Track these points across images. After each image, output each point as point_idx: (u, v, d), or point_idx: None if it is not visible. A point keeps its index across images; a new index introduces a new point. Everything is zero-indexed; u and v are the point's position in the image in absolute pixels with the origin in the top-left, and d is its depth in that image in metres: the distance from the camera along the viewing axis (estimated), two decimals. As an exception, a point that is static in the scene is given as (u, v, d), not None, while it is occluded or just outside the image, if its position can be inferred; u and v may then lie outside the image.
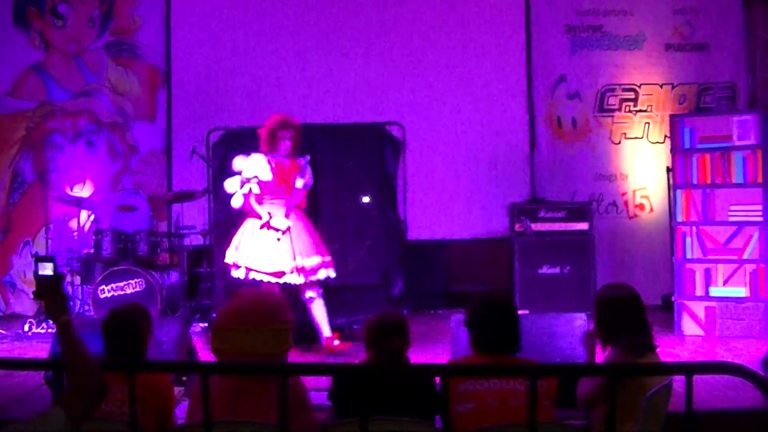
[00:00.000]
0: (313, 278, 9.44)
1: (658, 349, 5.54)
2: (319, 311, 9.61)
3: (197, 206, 12.25)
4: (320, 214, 10.69)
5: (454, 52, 13.60)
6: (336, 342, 9.45)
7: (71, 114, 13.68)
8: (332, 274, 9.61)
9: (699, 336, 10.56)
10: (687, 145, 10.87)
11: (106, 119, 13.70)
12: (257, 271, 9.32)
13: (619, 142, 13.60)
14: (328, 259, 9.61)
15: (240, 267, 9.40)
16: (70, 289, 11.87)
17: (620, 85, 13.63)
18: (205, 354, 8.31)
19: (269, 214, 9.39)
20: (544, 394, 4.91)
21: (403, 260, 10.93)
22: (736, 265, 10.61)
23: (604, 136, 13.63)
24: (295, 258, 9.33)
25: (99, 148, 13.70)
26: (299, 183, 9.53)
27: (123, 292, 11.27)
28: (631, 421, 4.92)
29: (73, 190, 13.32)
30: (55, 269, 3.95)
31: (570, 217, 11.79)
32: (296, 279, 9.34)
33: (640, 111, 13.61)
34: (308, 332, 9.77)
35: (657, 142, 13.48)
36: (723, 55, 13.66)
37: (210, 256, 11.57)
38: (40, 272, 3.92)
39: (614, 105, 13.64)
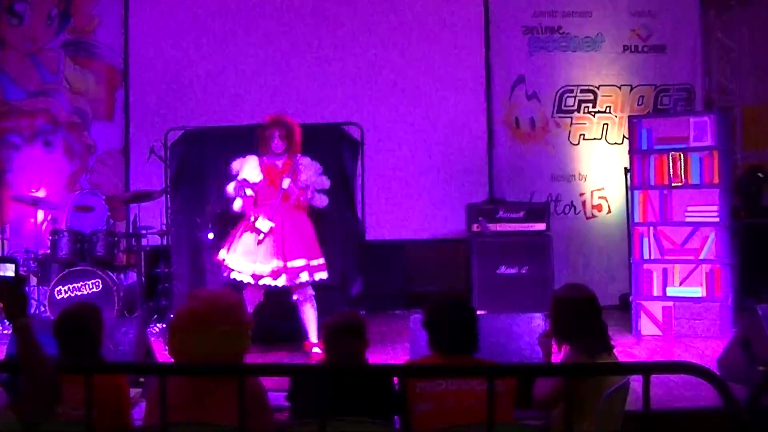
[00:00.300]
0: (297, 281, 9.37)
1: (615, 349, 5.56)
2: (306, 314, 9.56)
3: (155, 207, 12.17)
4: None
5: (412, 53, 13.60)
6: (315, 350, 9.38)
7: (27, 113, 13.58)
8: (320, 278, 9.51)
9: (656, 336, 10.61)
10: (644, 146, 10.91)
11: (63, 119, 13.62)
12: (239, 272, 9.32)
13: (578, 143, 13.65)
14: (317, 262, 9.48)
15: (226, 268, 9.41)
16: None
17: (578, 86, 13.68)
18: (163, 355, 8.28)
19: (254, 215, 9.37)
20: (503, 395, 4.92)
21: (361, 261, 10.90)
22: (692, 266, 10.66)
23: (563, 137, 13.68)
24: (276, 259, 9.29)
25: (56, 148, 13.61)
26: (285, 183, 9.38)
27: (80, 293, 11.17)
28: (589, 420, 4.94)
29: (30, 190, 13.23)
30: (16, 270, 3.92)
31: (528, 217, 11.81)
32: (277, 281, 9.30)
33: (599, 112, 13.67)
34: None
35: (615, 143, 13.54)
36: (680, 57, 13.75)
37: (168, 257, 11.49)
38: (2, 273, 3.89)
39: (572, 106, 13.68)
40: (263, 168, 9.50)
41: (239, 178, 9.47)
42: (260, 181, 9.47)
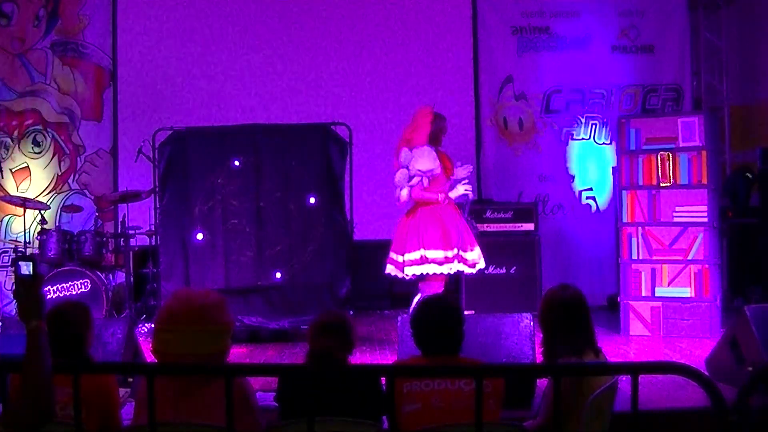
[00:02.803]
0: (473, 270, 9.55)
1: (603, 350, 5.55)
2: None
3: (143, 207, 12.17)
4: (265, 214, 10.63)
5: (401, 53, 13.63)
6: None
7: (16, 113, 13.56)
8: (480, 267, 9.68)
9: (645, 336, 10.60)
10: (633, 147, 10.91)
11: (52, 119, 13.59)
12: (430, 262, 9.39)
13: (566, 143, 13.66)
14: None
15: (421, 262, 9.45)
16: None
17: (567, 86, 13.70)
18: (151, 355, 8.27)
19: (440, 195, 9.55)
20: (491, 395, 4.92)
21: (349, 261, 10.90)
22: (681, 266, 10.66)
23: (551, 138, 13.70)
24: (465, 249, 9.46)
25: (45, 148, 13.58)
26: (461, 171, 9.77)
27: (68, 293, 11.17)
28: (577, 421, 4.93)
29: (19, 190, 13.21)
30: (35, 269, 3.83)
31: (516, 217, 11.84)
32: (463, 267, 9.45)
33: (587, 112, 13.69)
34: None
35: (603, 143, 13.57)
36: (667, 58, 13.79)
37: (156, 257, 11.47)
38: (21, 272, 3.81)
39: (561, 106, 13.70)
40: (440, 157, 9.66)
41: (421, 168, 9.55)
42: (438, 169, 9.58)
